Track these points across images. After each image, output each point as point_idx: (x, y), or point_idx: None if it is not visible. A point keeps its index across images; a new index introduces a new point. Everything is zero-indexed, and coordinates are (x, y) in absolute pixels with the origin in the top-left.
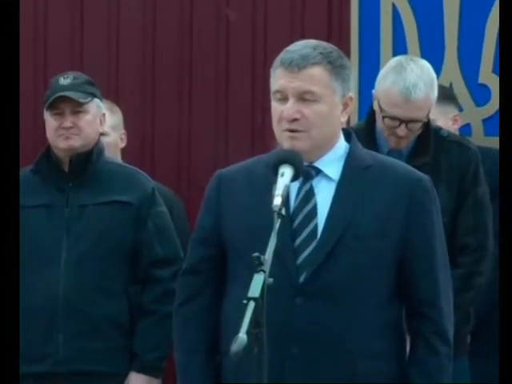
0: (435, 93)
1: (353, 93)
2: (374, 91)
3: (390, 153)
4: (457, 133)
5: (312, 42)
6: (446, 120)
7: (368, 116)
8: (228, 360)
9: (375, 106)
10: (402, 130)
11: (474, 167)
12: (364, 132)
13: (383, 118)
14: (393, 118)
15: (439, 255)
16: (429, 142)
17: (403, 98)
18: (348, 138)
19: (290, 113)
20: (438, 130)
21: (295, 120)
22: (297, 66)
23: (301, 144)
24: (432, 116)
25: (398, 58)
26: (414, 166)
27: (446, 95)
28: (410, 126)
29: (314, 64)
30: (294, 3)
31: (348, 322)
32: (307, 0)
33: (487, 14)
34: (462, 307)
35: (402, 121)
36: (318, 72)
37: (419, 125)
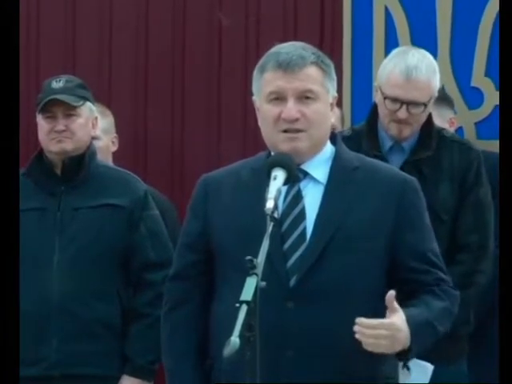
0: (437, 81)
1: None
2: (375, 84)
3: (392, 148)
4: None
5: (298, 43)
6: (442, 122)
7: (370, 113)
8: (220, 363)
9: (376, 98)
10: (402, 113)
11: (476, 167)
12: (366, 131)
13: (384, 99)
14: (394, 99)
15: (430, 254)
16: (431, 137)
17: (404, 78)
18: (333, 141)
19: (293, 113)
20: (441, 129)
21: (296, 120)
22: (296, 65)
23: (301, 144)
24: None
25: (400, 47)
26: (416, 161)
27: (443, 97)
28: (411, 108)
29: (311, 64)
30: (286, 6)
31: (340, 324)
32: (300, 3)
33: (480, 17)
34: (463, 305)
35: (402, 102)
36: (314, 71)
37: (421, 109)
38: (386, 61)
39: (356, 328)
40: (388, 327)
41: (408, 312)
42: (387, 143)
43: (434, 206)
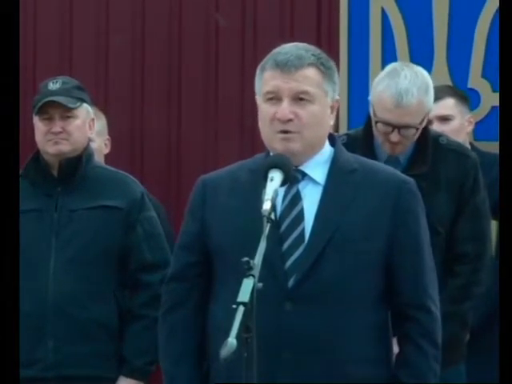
0: (430, 99)
1: (339, 96)
2: (370, 97)
3: (387, 161)
4: (466, 137)
5: (300, 44)
6: (462, 120)
7: (366, 124)
8: (217, 365)
9: (371, 112)
10: (395, 136)
11: (472, 176)
12: (362, 140)
13: (376, 122)
14: (385, 123)
15: (426, 257)
16: (427, 151)
17: (395, 103)
18: (332, 142)
19: (286, 113)
20: (437, 137)
21: (289, 121)
22: (293, 66)
23: (294, 145)
24: (451, 112)
25: (394, 63)
26: (411, 176)
27: (463, 96)
28: (403, 132)
29: (309, 65)
30: (283, 6)
31: (337, 326)
32: (296, 4)
33: (476, 18)
34: (460, 316)
35: (394, 126)
36: (312, 73)
37: (413, 131)
38: (378, 77)
39: None
40: None
41: None
42: (383, 156)
43: (430, 218)
